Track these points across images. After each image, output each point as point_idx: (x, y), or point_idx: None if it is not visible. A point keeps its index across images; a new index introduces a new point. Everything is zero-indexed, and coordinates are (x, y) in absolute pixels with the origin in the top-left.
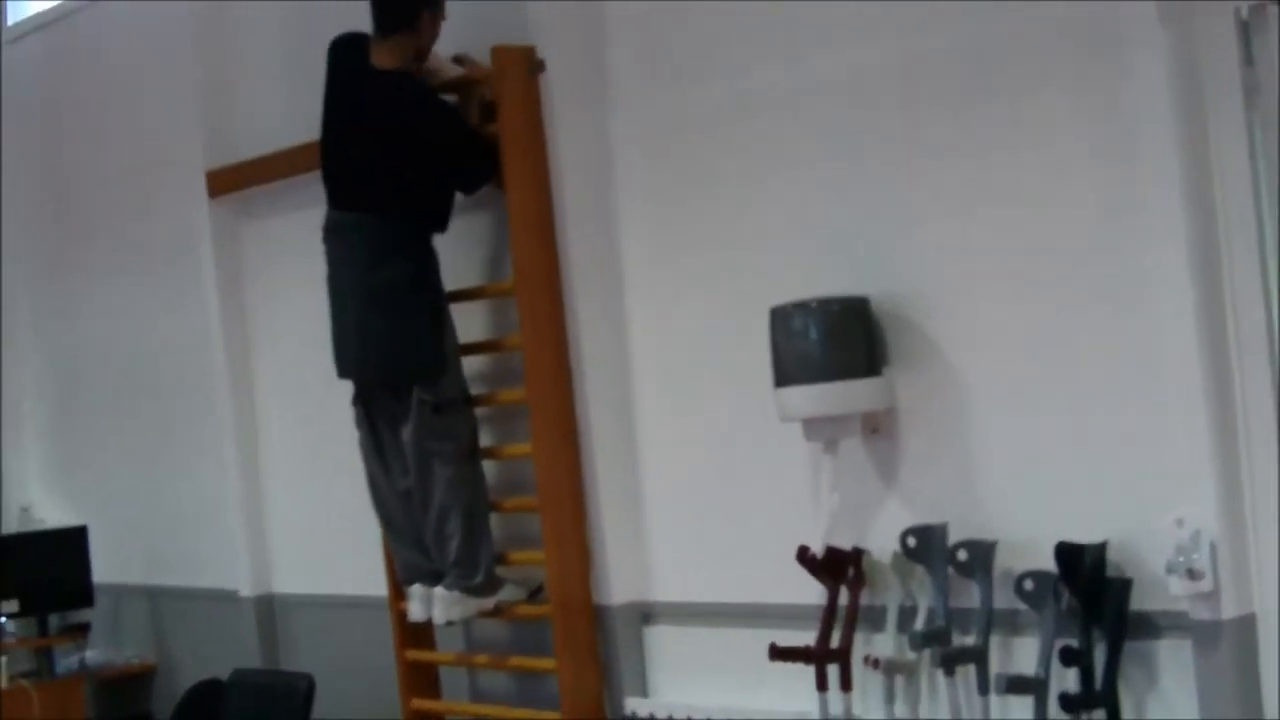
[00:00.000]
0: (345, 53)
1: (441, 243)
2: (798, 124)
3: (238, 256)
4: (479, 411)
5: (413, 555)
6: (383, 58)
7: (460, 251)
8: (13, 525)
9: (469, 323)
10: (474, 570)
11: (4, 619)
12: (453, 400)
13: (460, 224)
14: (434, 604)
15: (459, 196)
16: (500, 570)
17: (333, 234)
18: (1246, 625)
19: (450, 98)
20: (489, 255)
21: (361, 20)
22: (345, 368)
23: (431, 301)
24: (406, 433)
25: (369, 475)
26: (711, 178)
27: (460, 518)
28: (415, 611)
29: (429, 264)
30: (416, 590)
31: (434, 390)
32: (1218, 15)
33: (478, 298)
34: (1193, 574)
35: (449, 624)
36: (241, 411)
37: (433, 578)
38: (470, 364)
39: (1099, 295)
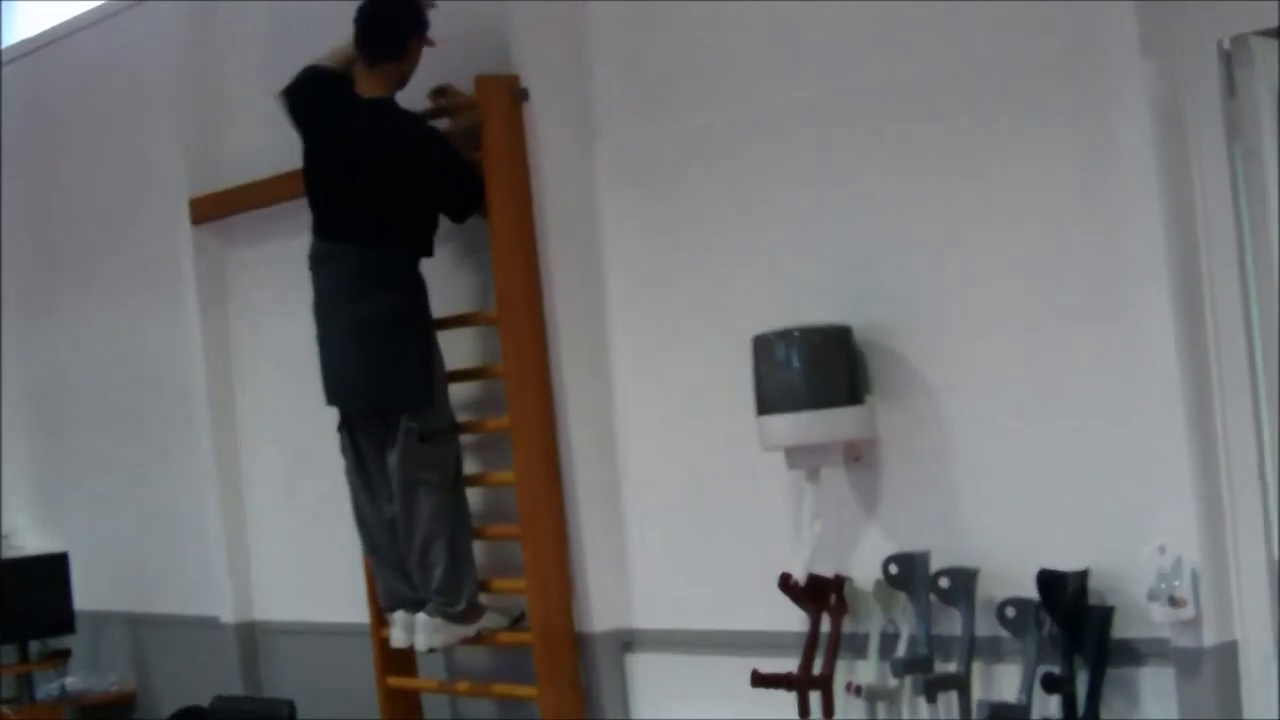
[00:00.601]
0: (325, 84)
1: (425, 270)
2: (781, 153)
3: (221, 283)
4: (462, 439)
5: (396, 582)
6: (368, 87)
7: (444, 279)
8: None
9: (452, 350)
10: (457, 598)
11: None
12: (439, 430)
13: (444, 251)
14: (416, 631)
15: (443, 224)
16: (482, 597)
17: (320, 264)
18: (1228, 652)
19: (441, 123)
20: (472, 283)
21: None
22: (334, 395)
23: (420, 331)
24: (393, 460)
25: (354, 502)
26: (694, 207)
27: (444, 546)
28: (397, 638)
29: (418, 292)
30: (399, 617)
31: (421, 419)
32: (1200, 46)
33: (461, 325)
34: (1174, 601)
35: (431, 651)
36: (223, 438)
37: (415, 604)
38: (454, 391)
39: (1081, 326)
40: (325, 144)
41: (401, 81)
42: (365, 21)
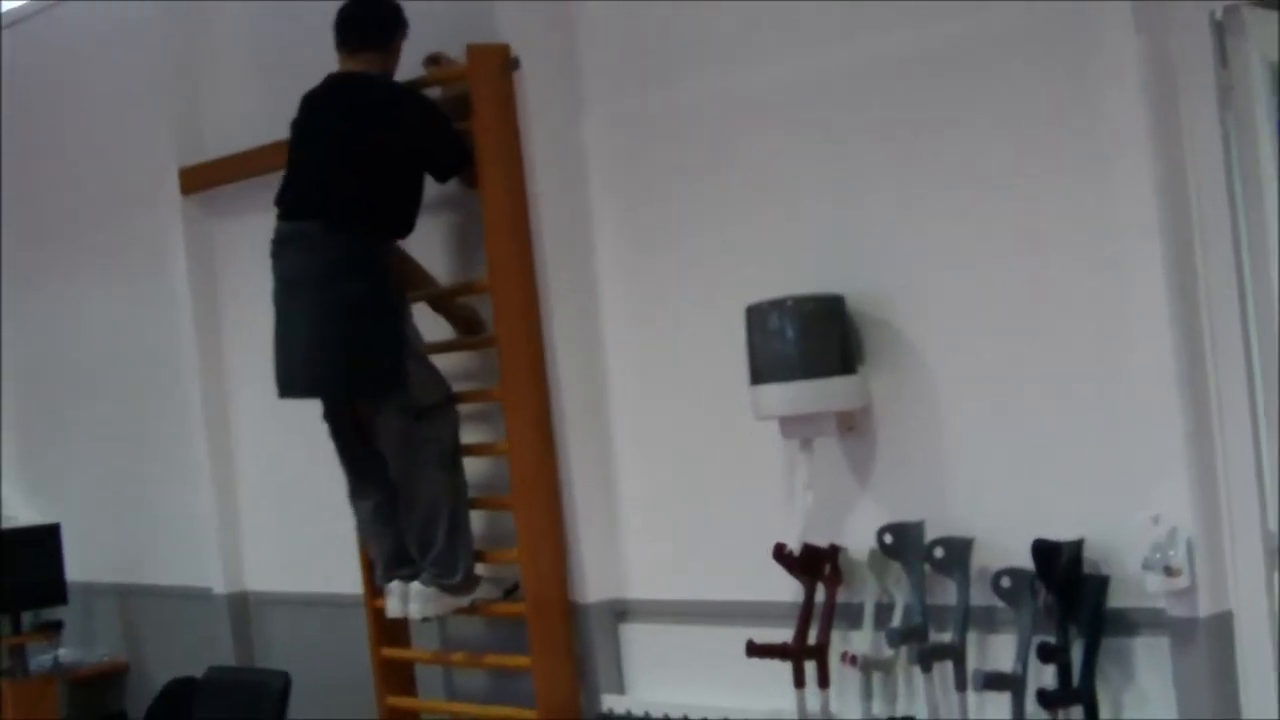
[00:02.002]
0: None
1: (416, 241)
2: (774, 123)
3: (210, 254)
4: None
5: (391, 559)
6: (349, 67)
7: (435, 250)
8: None
9: (444, 321)
10: (453, 570)
11: None
12: (432, 406)
13: (435, 222)
14: (410, 600)
15: (433, 193)
16: (477, 568)
17: (284, 245)
18: (1223, 622)
19: (432, 92)
20: (464, 253)
21: (334, 13)
22: (291, 386)
23: (390, 314)
24: (387, 441)
25: (348, 485)
26: (687, 176)
27: (443, 520)
28: (392, 607)
29: (387, 275)
30: (395, 587)
31: (412, 398)
32: (1192, 17)
33: (453, 296)
34: (1169, 571)
35: (425, 620)
36: (214, 409)
37: (411, 575)
38: (445, 362)
39: (1074, 294)
40: (307, 124)
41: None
42: (350, 13)
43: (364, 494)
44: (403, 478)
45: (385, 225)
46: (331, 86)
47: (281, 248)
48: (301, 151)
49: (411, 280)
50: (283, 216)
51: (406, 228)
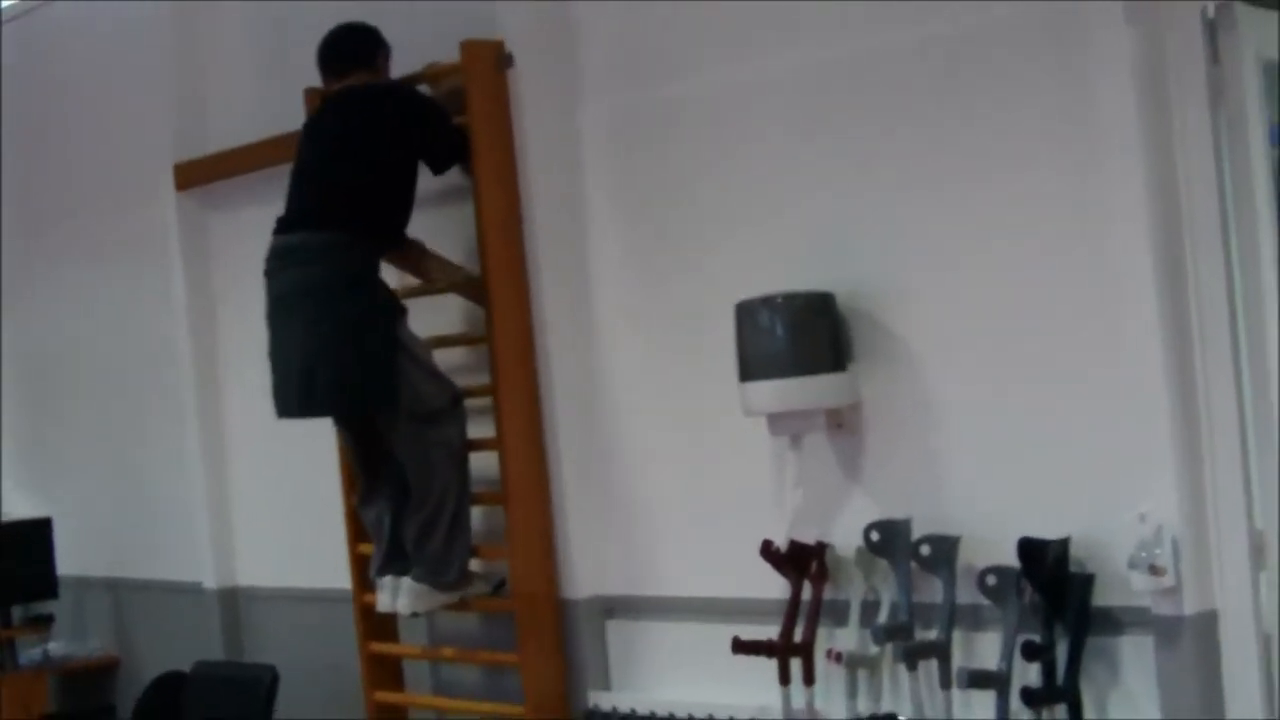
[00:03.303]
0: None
1: (412, 235)
2: (766, 120)
3: (205, 249)
4: None
5: (388, 559)
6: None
7: (430, 245)
8: None
9: (437, 317)
10: (447, 569)
11: None
12: (440, 409)
13: (429, 218)
14: (400, 594)
15: (426, 190)
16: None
17: (279, 260)
18: (1208, 621)
19: (424, 89)
20: (458, 249)
21: (335, 10)
22: (289, 408)
23: (386, 329)
24: (398, 447)
25: (360, 488)
26: (679, 173)
27: (445, 521)
28: (384, 602)
29: (384, 289)
30: (387, 582)
31: (419, 404)
32: (1184, 13)
33: (446, 292)
34: (1155, 570)
35: (414, 615)
36: (207, 404)
37: (404, 569)
38: (440, 357)
39: (1063, 293)
40: (305, 140)
41: None
42: (328, 42)
43: (373, 499)
44: (415, 480)
45: (381, 233)
46: (324, 104)
47: (277, 263)
48: (300, 169)
49: (431, 272)
50: (278, 231)
51: (400, 239)
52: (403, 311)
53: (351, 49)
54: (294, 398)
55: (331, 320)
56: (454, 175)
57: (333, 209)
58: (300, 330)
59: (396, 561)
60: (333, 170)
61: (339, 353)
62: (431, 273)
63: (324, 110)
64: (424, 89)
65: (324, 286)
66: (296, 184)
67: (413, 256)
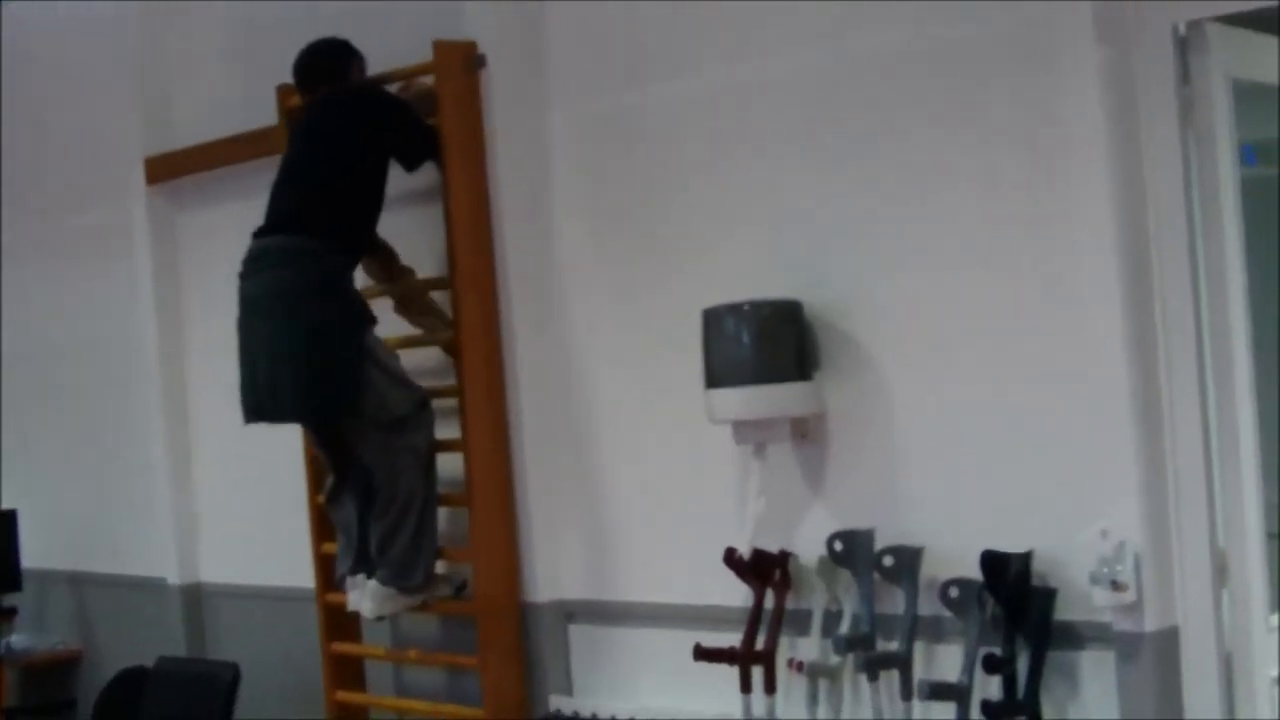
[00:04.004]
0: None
1: (381, 235)
2: (735, 127)
3: (173, 244)
4: None
5: (357, 562)
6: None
7: (397, 246)
8: None
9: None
10: (412, 572)
11: None
12: (406, 415)
13: (398, 219)
14: (365, 598)
15: (394, 190)
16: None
17: (255, 263)
18: (1169, 638)
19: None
20: (425, 250)
21: (306, 7)
22: (256, 413)
23: (353, 336)
24: (365, 453)
25: (328, 487)
26: (648, 178)
27: (411, 524)
28: (354, 600)
29: (352, 296)
30: (359, 580)
31: (384, 411)
32: (1155, 32)
33: (422, 289)
34: (1117, 585)
35: (379, 619)
36: (173, 400)
37: (369, 572)
38: (404, 358)
39: (1028, 307)
40: (289, 142)
41: None
42: (301, 61)
43: (343, 498)
44: (381, 485)
45: (354, 238)
46: (304, 113)
47: (250, 267)
48: (279, 176)
49: (388, 272)
50: (256, 235)
51: (366, 244)
52: (371, 320)
53: (325, 65)
54: (260, 403)
55: (298, 326)
56: (424, 175)
57: (307, 215)
58: (268, 335)
59: (365, 562)
60: (307, 176)
61: (305, 359)
62: (404, 297)
63: (303, 119)
64: (395, 88)
65: (293, 291)
66: (276, 190)
67: (381, 259)
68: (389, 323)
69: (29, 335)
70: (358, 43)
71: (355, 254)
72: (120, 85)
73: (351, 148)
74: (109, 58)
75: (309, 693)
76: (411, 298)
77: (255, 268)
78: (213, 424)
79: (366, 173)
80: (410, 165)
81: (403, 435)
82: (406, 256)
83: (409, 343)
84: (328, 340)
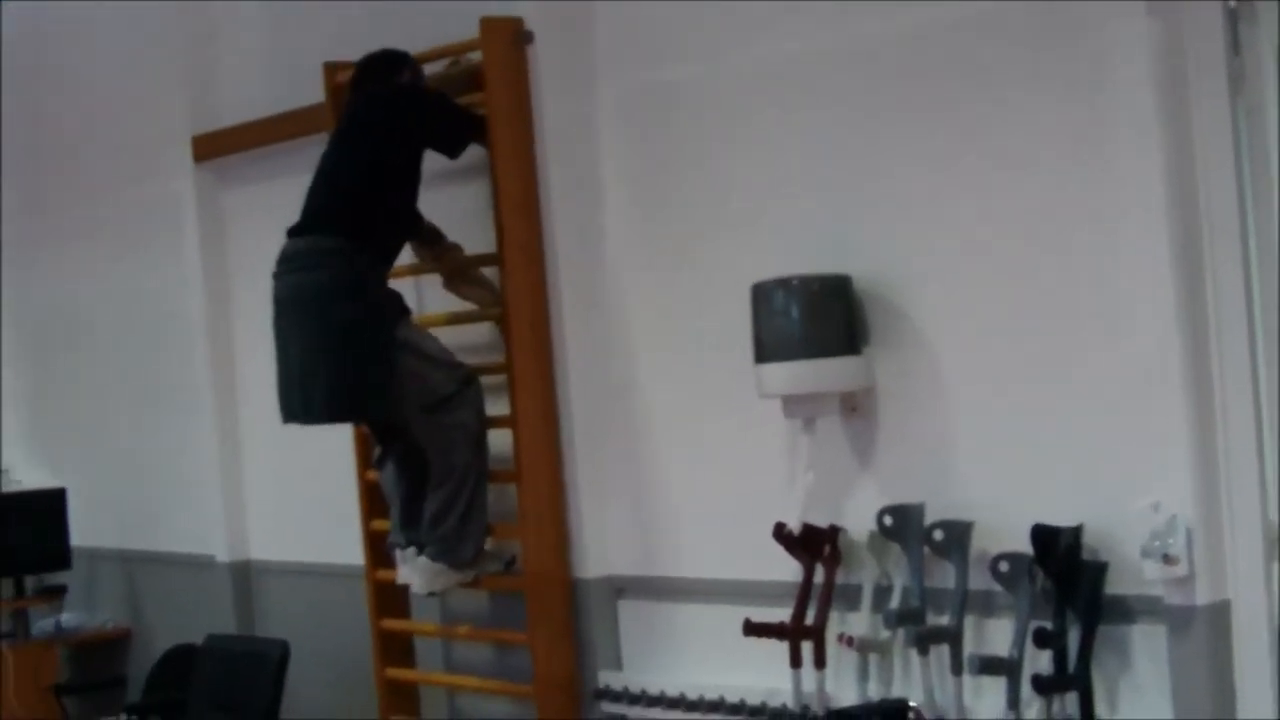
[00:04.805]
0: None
1: (427, 212)
2: (783, 101)
3: (221, 221)
4: None
5: (410, 530)
6: None
7: (445, 222)
8: None
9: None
10: (463, 547)
11: None
12: (451, 394)
13: (446, 195)
14: (415, 573)
15: (443, 166)
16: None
17: (287, 264)
18: (1221, 611)
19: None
20: (474, 226)
21: None
22: (291, 414)
23: (382, 335)
24: (417, 433)
25: (375, 453)
26: (696, 153)
27: (462, 500)
28: (404, 574)
29: (386, 294)
30: (410, 554)
31: (429, 393)
32: (1205, 4)
33: (473, 265)
34: (1168, 559)
35: (430, 595)
36: (221, 377)
37: (414, 540)
38: (453, 335)
39: (1078, 279)
40: (329, 142)
41: None
42: (358, 67)
43: (387, 462)
44: (435, 462)
45: (383, 237)
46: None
47: (282, 268)
48: (315, 176)
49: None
50: (289, 233)
51: (398, 241)
52: (404, 313)
53: (373, 71)
54: (294, 404)
55: (325, 328)
56: (471, 152)
57: (337, 214)
58: (298, 336)
59: (406, 530)
60: (339, 176)
61: (332, 361)
62: (461, 289)
63: (343, 118)
64: (443, 64)
65: (320, 292)
66: (311, 188)
67: (426, 240)
68: (440, 298)
69: (78, 316)
70: (404, 20)
71: (386, 252)
72: (167, 65)
73: (384, 146)
74: (156, 37)
75: (358, 669)
76: (459, 273)
77: (285, 269)
78: (261, 401)
79: (398, 170)
80: (451, 153)
81: (450, 413)
82: (455, 233)
83: (458, 319)
84: (355, 341)
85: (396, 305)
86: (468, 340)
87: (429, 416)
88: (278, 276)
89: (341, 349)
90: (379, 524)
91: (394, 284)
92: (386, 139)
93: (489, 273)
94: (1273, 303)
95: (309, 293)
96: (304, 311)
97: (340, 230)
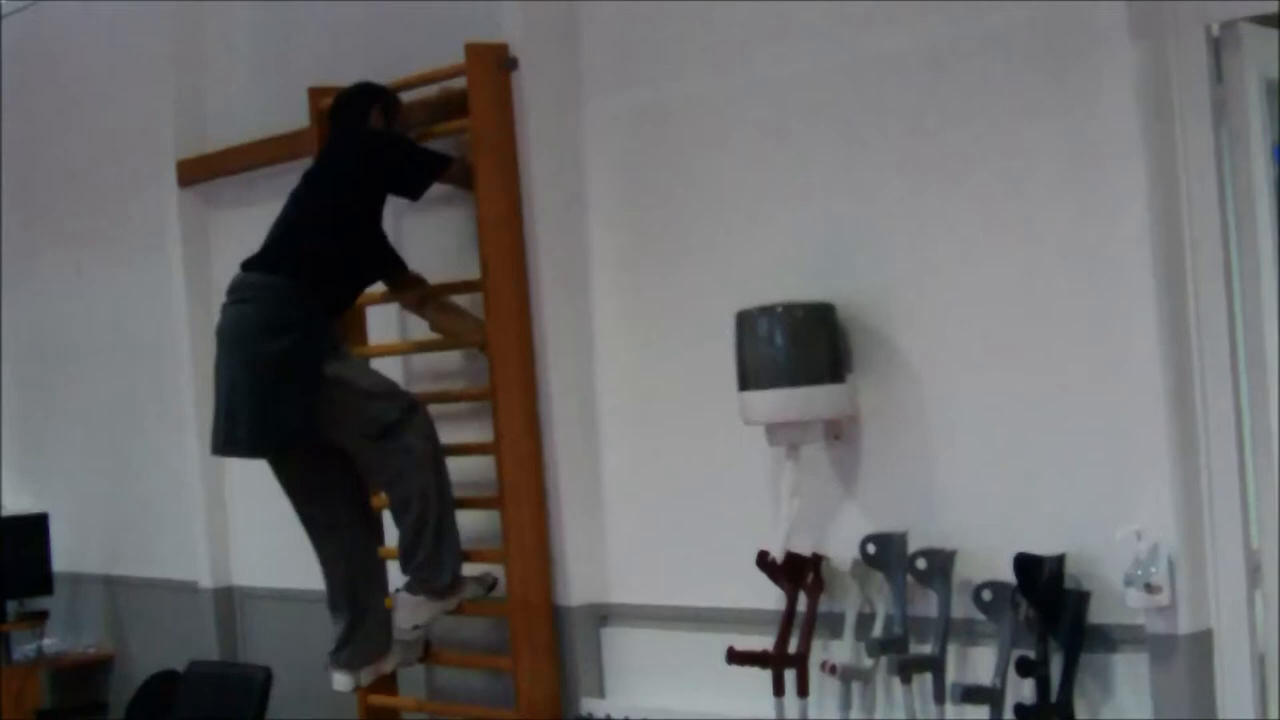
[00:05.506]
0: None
1: (411, 238)
2: (768, 128)
3: (205, 245)
4: (442, 409)
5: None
6: None
7: (428, 248)
8: None
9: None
10: (439, 572)
11: None
12: (393, 423)
13: (430, 218)
14: (397, 609)
15: (428, 192)
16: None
17: (230, 296)
18: (1203, 641)
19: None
20: (457, 250)
21: (337, 9)
22: (217, 446)
23: (308, 370)
24: (362, 465)
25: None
26: (681, 179)
27: (429, 526)
28: (339, 681)
29: (319, 332)
30: (342, 658)
31: (370, 422)
32: (1189, 31)
33: (446, 293)
34: (1150, 588)
35: (415, 629)
36: (205, 402)
37: (347, 635)
38: (435, 360)
39: (1063, 309)
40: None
41: None
42: (332, 101)
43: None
44: (392, 493)
45: (327, 281)
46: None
47: (227, 299)
48: (280, 214)
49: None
50: (242, 266)
51: (352, 293)
52: (333, 349)
53: (346, 107)
54: (218, 437)
55: (250, 360)
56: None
57: (286, 255)
58: (227, 368)
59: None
60: (300, 220)
61: (255, 392)
62: (437, 320)
63: (316, 156)
64: (428, 91)
65: (253, 326)
66: (272, 227)
67: (413, 299)
68: (420, 323)
69: (62, 340)
70: (390, 45)
71: (337, 297)
72: (153, 88)
73: (346, 195)
74: (142, 60)
75: (342, 696)
76: (439, 305)
77: (229, 301)
78: None
79: (357, 219)
80: (413, 196)
81: (397, 439)
82: (439, 258)
83: (440, 344)
84: (278, 375)
85: (326, 340)
86: (450, 366)
87: (375, 444)
88: (223, 308)
89: (267, 382)
90: None
91: (377, 310)
92: (350, 187)
93: (473, 298)
94: (1256, 330)
95: (244, 325)
96: (238, 343)
97: (288, 271)
